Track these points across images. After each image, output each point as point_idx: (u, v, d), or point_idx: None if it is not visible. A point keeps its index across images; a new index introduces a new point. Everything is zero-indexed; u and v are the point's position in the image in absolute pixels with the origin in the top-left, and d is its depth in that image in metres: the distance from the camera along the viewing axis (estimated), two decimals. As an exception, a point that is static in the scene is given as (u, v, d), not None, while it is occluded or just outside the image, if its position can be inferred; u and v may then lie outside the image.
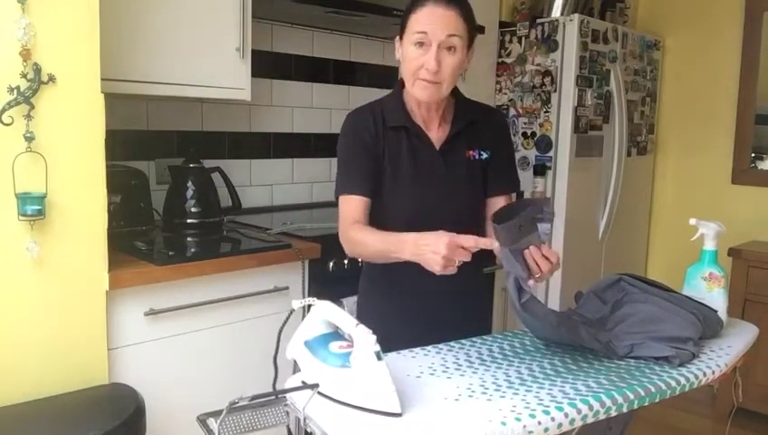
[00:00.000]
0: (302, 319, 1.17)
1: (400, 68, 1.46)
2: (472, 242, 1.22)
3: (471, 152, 1.52)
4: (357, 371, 1.01)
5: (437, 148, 1.49)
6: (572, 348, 1.30)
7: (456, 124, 1.51)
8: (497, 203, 1.54)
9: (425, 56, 1.38)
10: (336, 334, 1.14)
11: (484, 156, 1.53)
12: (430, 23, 1.37)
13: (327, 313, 1.12)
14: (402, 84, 1.50)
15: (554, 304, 3.04)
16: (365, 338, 1.00)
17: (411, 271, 1.30)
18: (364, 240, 1.40)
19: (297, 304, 1.13)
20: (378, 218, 1.46)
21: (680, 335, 1.26)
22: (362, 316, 1.56)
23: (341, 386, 1.02)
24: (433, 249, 1.22)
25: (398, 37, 1.46)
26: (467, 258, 1.23)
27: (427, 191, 1.48)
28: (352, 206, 1.44)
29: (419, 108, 1.49)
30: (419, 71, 1.39)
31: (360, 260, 1.49)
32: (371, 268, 1.58)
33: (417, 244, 1.26)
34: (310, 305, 1.14)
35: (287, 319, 1.12)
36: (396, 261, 1.34)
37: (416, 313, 1.51)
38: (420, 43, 1.38)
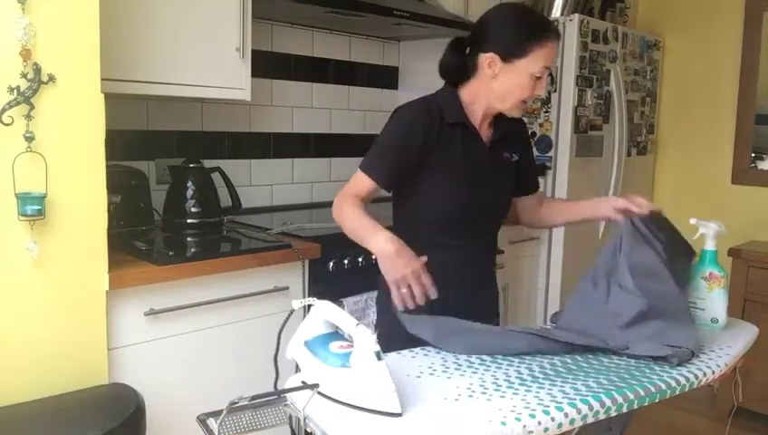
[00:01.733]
0: (302, 319, 1.17)
1: (492, 83, 1.49)
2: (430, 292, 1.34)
3: (506, 154, 1.61)
4: (357, 371, 1.01)
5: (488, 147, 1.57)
6: (571, 348, 1.30)
7: (501, 127, 1.58)
8: (528, 201, 1.70)
9: (538, 85, 1.48)
10: (336, 334, 1.14)
11: (515, 158, 1.62)
12: (552, 60, 1.48)
13: (327, 313, 1.12)
14: (454, 84, 1.56)
15: (554, 305, 3.04)
16: (365, 338, 1.00)
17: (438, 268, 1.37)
18: (350, 213, 1.45)
19: (297, 304, 1.13)
20: (421, 214, 1.53)
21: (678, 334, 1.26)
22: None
23: (341, 386, 1.02)
24: (407, 264, 1.33)
25: (494, 54, 1.47)
26: (416, 291, 1.33)
27: (477, 188, 1.53)
28: (365, 184, 1.49)
29: (481, 114, 1.55)
30: (528, 96, 1.49)
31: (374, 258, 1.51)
32: None
33: (393, 245, 1.35)
34: (310, 305, 1.14)
35: (287, 319, 1.12)
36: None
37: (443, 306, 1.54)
38: (540, 76, 1.46)
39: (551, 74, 1.52)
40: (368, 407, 0.99)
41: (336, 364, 1.05)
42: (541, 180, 3.01)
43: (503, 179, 1.60)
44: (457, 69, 1.54)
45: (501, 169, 1.59)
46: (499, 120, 1.57)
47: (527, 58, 1.45)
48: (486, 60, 1.48)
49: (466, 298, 1.54)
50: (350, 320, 1.05)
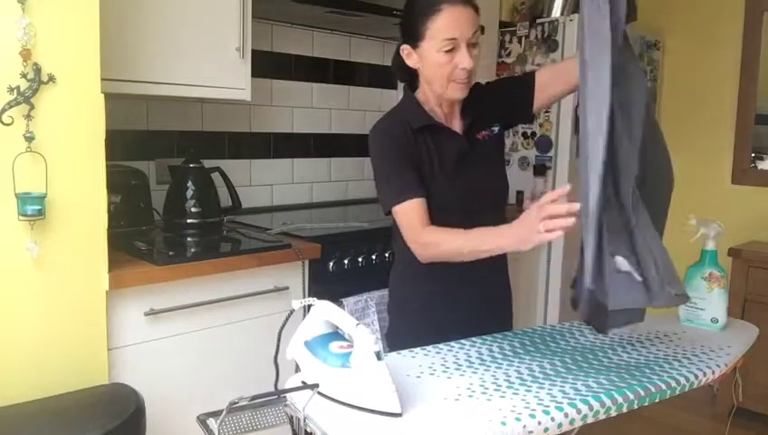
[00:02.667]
0: (302, 319, 1.17)
1: (420, 72, 1.46)
2: (553, 195, 1.17)
3: (484, 133, 1.54)
4: (357, 371, 1.01)
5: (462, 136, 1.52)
6: (572, 348, 1.30)
7: (469, 111, 1.53)
8: (542, 82, 1.54)
9: (456, 58, 1.40)
10: (336, 334, 1.14)
11: (496, 130, 1.56)
12: (457, 27, 1.38)
13: (327, 313, 1.12)
14: (412, 89, 1.53)
15: (554, 304, 3.04)
16: (365, 338, 1.00)
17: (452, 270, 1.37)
18: (447, 240, 1.37)
19: (297, 304, 1.13)
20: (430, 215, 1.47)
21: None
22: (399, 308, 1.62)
23: (341, 386, 1.02)
24: (527, 222, 1.20)
25: (405, 45, 1.45)
26: (562, 213, 1.15)
27: (467, 177, 1.49)
28: (416, 209, 1.41)
29: (440, 106, 1.51)
30: (454, 73, 1.41)
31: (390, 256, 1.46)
32: (413, 267, 1.52)
33: (515, 228, 1.24)
34: (310, 305, 1.14)
35: (287, 319, 1.12)
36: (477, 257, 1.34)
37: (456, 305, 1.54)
38: (450, 49, 1.39)
39: (476, 42, 1.39)
40: (368, 407, 0.99)
41: (336, 364, 1.05)
42: (541, 180, 3.06)
43: (491, 161, 1.55)
44: (402, 71, 1.51)
45: (485, 149, 1.53)
46: (466, 105, 1.52)
47: (426, 38, 1.40)
48: (404, 53, 1.47)
49: (477, 296, 1.54)
50: (350, 320, 1.05)
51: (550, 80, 1.55)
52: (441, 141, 1.49)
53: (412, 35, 1.44)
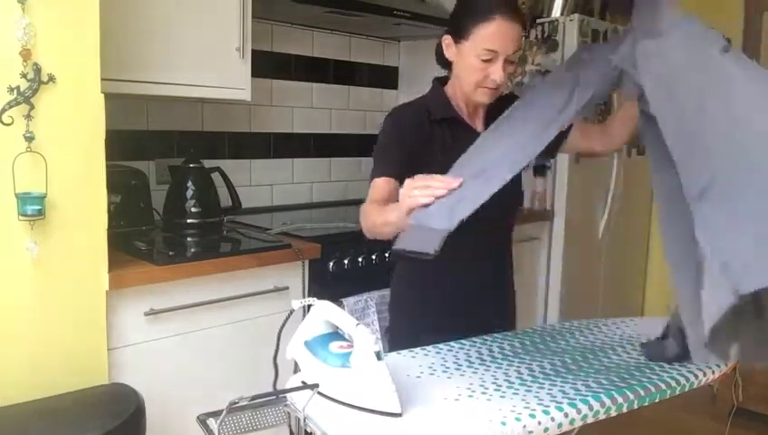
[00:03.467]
0: (303, 319, 1.17)
1: (454, 66, 1.47)
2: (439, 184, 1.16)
3: None
4: (357, 371, 1.01)
5: None
6: (572, 348, 1.30)
7: (495, 117, 1.49)
8: (574, 138, 1.57)
9: (491, 68, 1.40)
10: (336, 334, 1.14)
11: None
12: (501, 41, 1.38)
13: (327, 313, 1.12)
14: (442, 82, 1.53)
15: (554, 305, 3.04)
16: (365, 338, 1.00)
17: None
18: (370, 213, 1.39)
19: (297, 304, 1.13)
20: None
21: None
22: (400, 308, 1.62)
23: (341, 386, 1.02)
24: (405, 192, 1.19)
25: (448, 36, 1.45)
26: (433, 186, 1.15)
27: None
28: (377, 188, 1.44)
29: (467, 105, 1.52)
30: (485, 81, 1.42)
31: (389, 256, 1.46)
32: (414, 267, 1.52)
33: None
34: (310, 305, 1.14)
35: (287, 319, 1.12)
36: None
37: (455, 304, 1.53)
38: (488, 59, 1.39)
39: (514, 61, 1.41)
40: (368, 407, 0.99)
41: (336, 364, 1.05)
42: (541, 180, 3.05)
43: None
44: (441, 57, 1.52)
45: None
46: (492, 109, 1.51)
47: (469, 40, 1.40)
48: (445, 43, 1.47)
49: (477, 301, 1.53)
50: (350, 320, 1.05)
51: (584, 137, 1.59)
52: (460, 136, 1.48)
53: (457, 31, 1.43)
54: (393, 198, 1.36)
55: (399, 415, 0.98)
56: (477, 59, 1.40)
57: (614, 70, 1.20)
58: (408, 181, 1.19)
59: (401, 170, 1.41)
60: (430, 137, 1.47)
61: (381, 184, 1.43)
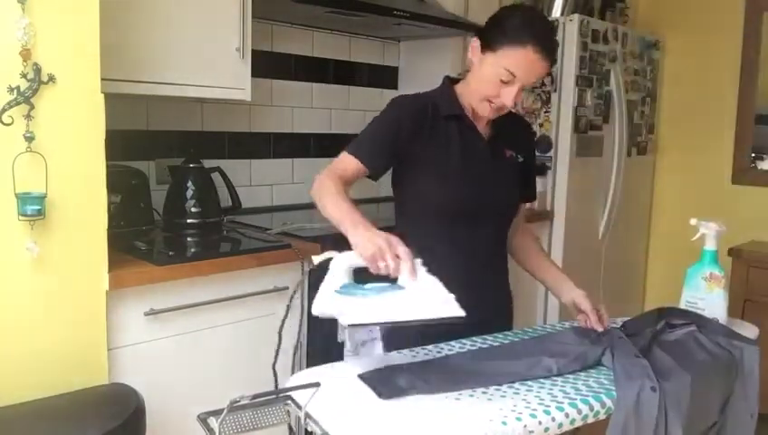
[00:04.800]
0: (302, 317, 1.17)
1: (471, 69, 1.46)
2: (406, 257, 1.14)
3: (510, 153, 1.54)
4: (411, 288, 1.06)
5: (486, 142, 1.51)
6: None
7: (499, 127, 1.52)
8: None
9: (504, 90, 1.38)
10: (360, 282, 1.16)
11: (520, 159, 1.56)
12: (525, 70, 1.36)
13: (351, 260, 1.15)
14: (452, 81, 1.53)
15: (554, 305, 3.04)
16: (408, 258, 1.05)
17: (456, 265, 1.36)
18: (332, 196, 1.33)
19: (317, 259, 1.18)
20: (420, 209, 1.48)
21: None
22: None
23: (396, 308, 1.05)
24: (378, 244, 1.15)
25: (478, 42, 1.43)
26: (393, 262, 1.13)
27: (475, 185, 1.47)
28: (351, 165, 1.41)
29: (473, 109, 1.50)
30: (494, 98, 1.40)
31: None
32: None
33: (366, 237, 1.18)
34: (328, 260, 1.18)
35: (292, 297, 1.17)
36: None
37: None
38: (505, 81, 1.37)
39: (536, 87, 1.42)
40: (432, 317, 1.04)
41: (384, 292, 1.08)
42: (541, 180, 3.05)
43: (506, 178, 1.53)
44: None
45: (503, 167, 1.52)
46: (498, 120, 1.51)
47: (495, 54, 1.37)
48: (472, 45, 1.45)
49: (472, 301, 1.53)
50: None
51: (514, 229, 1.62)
52: (465, 135, 1.48)
53: (487, 39, 1.40)
54: (352, 181, 1.40)
55: (462, 319, 1.03)
56: (496, 75, 1.37)
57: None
58: (383, 242, 1.14)
59: (376, 168, 1.44)
60: (433, 131, 1.46)
61: (350, 163, 1.42)
